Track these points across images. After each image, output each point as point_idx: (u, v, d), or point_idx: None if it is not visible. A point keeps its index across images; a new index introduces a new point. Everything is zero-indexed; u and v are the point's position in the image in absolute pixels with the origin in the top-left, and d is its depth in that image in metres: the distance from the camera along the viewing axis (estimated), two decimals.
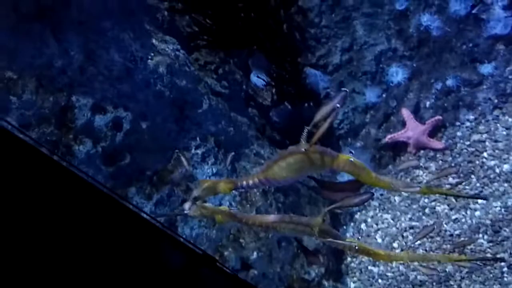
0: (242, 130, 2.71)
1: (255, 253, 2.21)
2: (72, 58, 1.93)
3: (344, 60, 3.19)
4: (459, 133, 2.67)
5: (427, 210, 2.37)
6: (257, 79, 3.25)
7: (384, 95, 3.01)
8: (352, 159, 1.45)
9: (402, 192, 2.52)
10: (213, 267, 1.16)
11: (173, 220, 2.08)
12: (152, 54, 2.34)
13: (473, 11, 2.91)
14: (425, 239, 2.23)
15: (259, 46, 3.19)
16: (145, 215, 1.09)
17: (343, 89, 1.81)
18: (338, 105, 1.39)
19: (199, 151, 2.31)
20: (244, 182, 1.46)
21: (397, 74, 3.05)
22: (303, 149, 1.46)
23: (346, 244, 1.68)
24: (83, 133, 1.89)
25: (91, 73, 2.00)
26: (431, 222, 2.29)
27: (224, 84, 2.98)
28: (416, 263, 1.91)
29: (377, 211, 2.48)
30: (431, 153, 2.68)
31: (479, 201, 2.37)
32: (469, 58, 2.90)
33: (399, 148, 2.79)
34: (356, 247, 1.75)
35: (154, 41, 2.45)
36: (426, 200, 2.48)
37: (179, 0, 2.95)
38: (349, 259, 2.38)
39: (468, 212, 2.31)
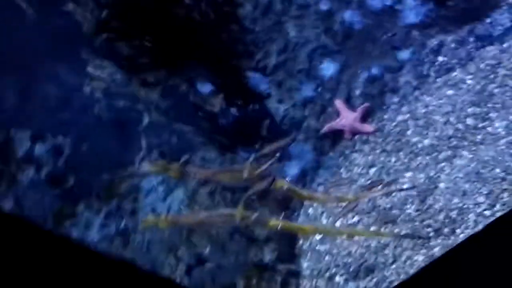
0: (187, 138, 2.90)
1: (208, 248, 2.39)
2: (7, 98, 2.11)
3: (280, 61, 3.40)
4: (386, 116, 2.89)
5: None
6: (202, 87, 3.44)
7: (319, 89, 3.23)
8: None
9: (342, 177, 2.72)
10: None
11: (125, 230, 2.25)
12: (88, 80, 2.52)
13: (388, 3, 3.15)
14: (363, 215, 2.42)
15: (201, 58, 3.39)
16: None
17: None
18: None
19: (145, 163, 2.49)
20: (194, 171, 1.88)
21: (328, 68, 3.27)
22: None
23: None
24: (25, 162, 2.06)
25: (28, 108, 2.18)
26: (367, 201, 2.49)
27: (169, 98, 3.17)
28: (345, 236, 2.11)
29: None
30: (364, 137, 2.89)
31: (407, 174, 2.59)
32: (388, 46, 3.13)
33: (336, 136, 3.00)
34: (279, 226, 1.98)
35: (90, 68, 2.63)
36: (363, 180, 2.69)
37: (116, 28, 3.14)
38: (301, 241, 2.57)
39: (397, 185, 2.52)
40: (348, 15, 3.37)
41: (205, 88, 3.48)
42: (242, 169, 2.14)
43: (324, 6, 3.47)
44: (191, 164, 2.60)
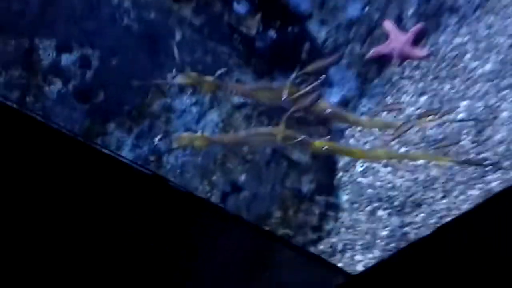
0: (222, 59, 2.68)
1: (243, 176, 2.26)
2: (29, 4, 1.91)
3: None
4: (441, 38, 2.58)
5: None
6: (239, 6, 3.17)
7: (366, 9, 2.90)
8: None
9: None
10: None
11: (156, 151, 2.13)
12: None
13: None
14: (410, 146, 2.22)
15: None
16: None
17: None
18: None
19: (175, 82, 2.31)
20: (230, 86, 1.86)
21: None
22: None
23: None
24: (51, 73, 1.91)
25: (52, 14, 1.98)
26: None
27: (202, 16, 2.92)
28: (395, 162, 1.93)
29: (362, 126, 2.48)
30: (416, 62, 2.61)
31: (463, 103, 2.34)
32: None
33: (384, 61, 2.73)
34: (325, 147, 1.81)
35: None
36: (412, 108, 2.46)
37: None
38: (340, 173, 2.41)
39: (452, 115, 2.28)
40: None
41: (241, 7, 3.20)
42: (282, 88, 1.93)
43: None
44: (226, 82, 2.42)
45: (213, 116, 2.34)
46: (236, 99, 2.43)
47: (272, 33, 3.20)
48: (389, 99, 2.57)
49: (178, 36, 2.47)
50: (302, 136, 1.89)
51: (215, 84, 1.99)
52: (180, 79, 1.95)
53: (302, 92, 1.89)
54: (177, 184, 1.80)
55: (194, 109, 2.30)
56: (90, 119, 1.98)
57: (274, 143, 1.83)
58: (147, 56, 2.29)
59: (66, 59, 1.95)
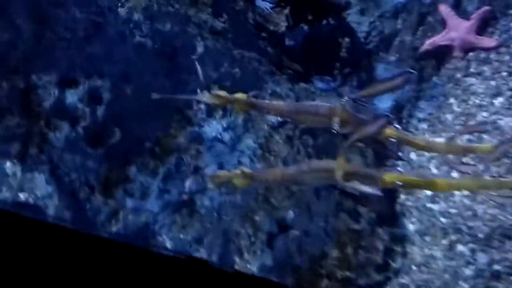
0: (252, 68, 2.30)
1: (291, 212, 1.92)
2: (20, 27, 1.56)
3: None
4: None
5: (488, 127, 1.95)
6: (263, 2, 2.76)
7: None
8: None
9: (454, 111, 2.08)
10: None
11: (188, 193, 1.79)
12: None
13: None
14: (490, 164, 1.82)
15: None
16: None
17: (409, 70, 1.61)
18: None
19: (202, 105, 1.95)
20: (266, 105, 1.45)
21: None
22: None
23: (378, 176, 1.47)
24: (55, 115, 1.57)
25: (50, 40, 1.63)
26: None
27: (223, 17, 2.53)
28: (484, 191, 1.54)
29: (427, 135, 2.08)
30: (483, 54, 2.18)
31: None
32: None
33: (442, 54, 2.30)
34: (400, 183, 1.45)
35: None
36: (485, 114, 2.05)
37: None
38: (402, 196, 2.04)
39: None
40: None
41: (266, 2, 2.79)
42: (331, 110, 1.54)
43: None
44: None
45: (249, 141, 1.98)
46: (273, 118, 2.06)
47: (304, 29, 2.79)
48: (453, 102, 2.15)
49: (199, 47, 2.09)
50: (369, 170, 1.52)
51: (249, 103, 1.60)
52: (207, 100, 1.58)
53: (359, 116, 1.50)
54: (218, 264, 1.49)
55: (227, 136, 1.94)
56: (107, 166, 1.65)
57: (332, 180, 1.46)
58: (166, 78, 1.93)
59: (71, 96, 1.61)
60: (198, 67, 1.64)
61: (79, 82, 1.64)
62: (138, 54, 1.87)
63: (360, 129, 1.50)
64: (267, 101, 1.72)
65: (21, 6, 1.61)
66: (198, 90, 1.55)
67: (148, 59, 1.90)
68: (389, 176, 1.49)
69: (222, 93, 1.56)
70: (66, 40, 1.68)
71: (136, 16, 1.91)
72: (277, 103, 1.72)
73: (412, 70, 1.49)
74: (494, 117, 2.02)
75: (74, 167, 1.58)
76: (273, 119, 2.06)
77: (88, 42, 1.74)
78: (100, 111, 1.67)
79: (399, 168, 1.81)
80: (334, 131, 1.56)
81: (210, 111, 1.97)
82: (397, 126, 1.62)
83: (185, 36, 2.06)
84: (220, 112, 1.97)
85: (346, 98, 1.59)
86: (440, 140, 1.75)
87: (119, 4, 1.90)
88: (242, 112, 1.74)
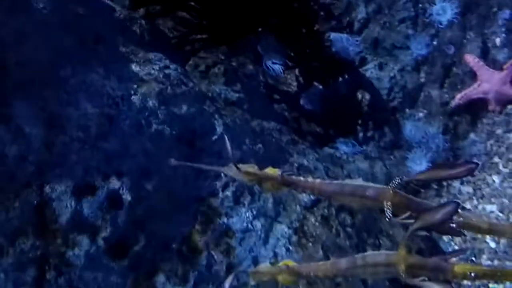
0: (274, 141, 2.16)
1: None
2: (29, 136, 1.43)
3: (371, 11, 2.53)
4: None
5: None
6: (273, 65, 2.66)
7: (435, 42, 2.36)
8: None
9: (501, 172, 1.92)
10: None
11: None
12: (135, 86, 1.80)
13: None
14: None
15: (264, 26, 2.58)
16: None
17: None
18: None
19: (228, 193, 1.79)
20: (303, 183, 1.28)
21: (444, 11, 2.37)
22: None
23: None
24: (73, 230, 1.41)
25: (62, 144, 1.50)
26: None
27: (237, 85, 2.42)
28: None
29: (475, 201, 1.89)
30: None
31: None
32: None
33: (476, 108, 2.16)
34: (473, 274, 1.26)
35: (134, 66, 1.90)
36: None
37: (155, 1, 2.37)
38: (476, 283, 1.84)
39: None
40: None
41: (275, 64, 2.69)
42: (378, 191, 1.37)
43: None
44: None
45: (282, 227, 1.81)
46: (305, 197, 1.89)
47: (319, 88, 2.67)
48: (498, 161, 1.99)
49: (218, 126, 1.95)
50: (437, 261, 1.33)
51: (282, 179, 1.42)
52: (234, 175, 1.39)
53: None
54: None
55: (258, 224, 1.77)
56: (133, 277, 1.47)
57: (392, 275, 1.27)
58: (187, 165, 1.78)
59: (89, 205, 1.46)
60: (227, 142, 1.46)
61: (96, 187, 1.49)
62: (156, 144, 1.73)
63: (424, 216, 1.32)
64: (302, 178, 1.52)
65: (29, 111, 1.48)
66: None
67: (167, 148, 1.75)
68: (461, 268, 1.30)
69: (252, 168, 1.37)
70: (80, 141, 1.54)
71: (151, 103, 1.78)
72: (316, 181, 1.51)
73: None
74: None
75: (95, 285, 1.40)
76: (305, 198, 1.89)
77: (103, 138, 1.60)
78: (121, 216, 1.51)
79: (468, 257, 1.62)
80: (387, 218, 1.38)
81: (237, 197, 1.81)
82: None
83: (203, 116, 1.93)
84: (249, 197, 1.81)
85: (395, 180, 1.42)
86: (507, 223, 1.57)
87: (132, 92, 1.78)
88: (274, 190, 1.55)
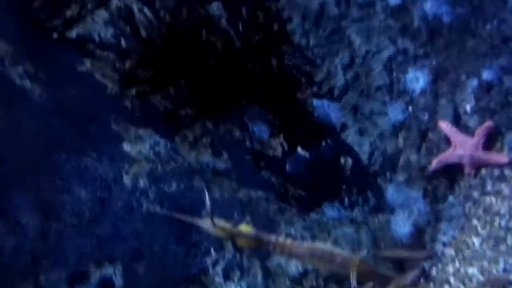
0: (262, 211, 2.23)
1: None
2: (25, 227, 1.48)
3: (349, 78, 2.69)
4: None
5: None
6: (259, 129, 2.77)
7: (410, 108, 2.50)
8: None
9: (480, 234, 2.00)
10: None
11: None
12: (127, 166, 1.88)
13: None
14: None
15: (249, 96, 2.71)
16: None
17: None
18: None
19: (218, 268, 1.84)
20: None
21: (417, 79, 2.54)
22: None
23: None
24: None
25: (56, 231, 1.55)
26: None
27: (224, 155, 2.51)
28: None
29: (457, 263, 1.96)
30: (497, 171, 2.16)
31: None
32: (499, 38, 2.37)
33: (453, 172, 2.28)
34: None
35: (125, 145, 1.99)
36: None
37: (146, 80, 2.50)
38: None
39: None
40: (429, 5, 2.62)
41: (262, 129, 2.81)
42: (345, 258, 1.45)
43: (394, 0, 2.72)
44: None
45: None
46: (293, 269, 1.94)
47: (302, 153, 2.78)
48: (476, 223, 2.08)
49: (208, 200, 2.03)
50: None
51: (254, 238, 1.50)
52: (209, 229, 1.50)
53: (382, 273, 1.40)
54: None
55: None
56: None
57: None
58: (178, 244, 1.83)
59: None
60: (207, 196, 1.58)
61: (89, 274, 1.53)
62: (147, 225, 1.78)
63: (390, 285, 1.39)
64: (275, 237, 1.61)
65: (25, 201, 1.54)
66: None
67: (157, 227, 1.81)
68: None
69: (225, 224, 1.49)
70: (73, 227, 1.60)
71: (142, 182, 1.86)
72: (289, 242, 1.60)
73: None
74: None
75: None
76: (293, 269, 1.94)
77: (95, 223, 1.65)
78: None
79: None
80: (352, 287, 1.45)
81: (227, 272, 1.86)
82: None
83: (191, 192, 2.01)
84: (238, 273, 1.86)
85: (364, 251, 1.51)
86: None
87: (124, 172, 1.86)
88: (247, 247, 1.64)
